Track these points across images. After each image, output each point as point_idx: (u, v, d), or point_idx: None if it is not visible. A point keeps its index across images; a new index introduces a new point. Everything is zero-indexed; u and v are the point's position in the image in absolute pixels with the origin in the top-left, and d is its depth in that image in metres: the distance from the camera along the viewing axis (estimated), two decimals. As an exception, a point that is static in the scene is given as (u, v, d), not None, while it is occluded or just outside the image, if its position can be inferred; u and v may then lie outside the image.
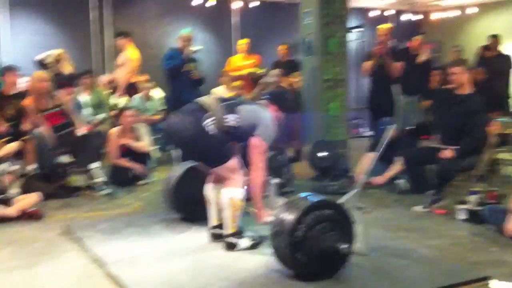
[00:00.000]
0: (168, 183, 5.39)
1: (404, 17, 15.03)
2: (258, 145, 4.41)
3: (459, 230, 5.16)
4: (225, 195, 4.41)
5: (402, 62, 8.46)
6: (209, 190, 4.72)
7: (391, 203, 6.35)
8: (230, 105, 4.48)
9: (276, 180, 5.33)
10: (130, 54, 9.89)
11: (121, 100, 9.37)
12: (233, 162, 4.40)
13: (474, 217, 5.36)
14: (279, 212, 3.86)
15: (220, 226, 4.63)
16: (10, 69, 7.75)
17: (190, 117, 4.39)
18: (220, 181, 4.55)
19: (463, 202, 5.54)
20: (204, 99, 4.50)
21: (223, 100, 4.58)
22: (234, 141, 4.63)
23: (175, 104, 7.90)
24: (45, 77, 6.93)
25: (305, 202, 3.79)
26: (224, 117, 4.37)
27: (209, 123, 4.30)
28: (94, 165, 6.80)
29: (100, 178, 6.85)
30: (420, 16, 15.26)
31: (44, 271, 4.04)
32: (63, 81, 8.50)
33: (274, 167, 6.58)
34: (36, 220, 5.47)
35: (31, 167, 7.57)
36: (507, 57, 9.86)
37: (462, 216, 5.47)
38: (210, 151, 4.36)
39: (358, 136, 13.61)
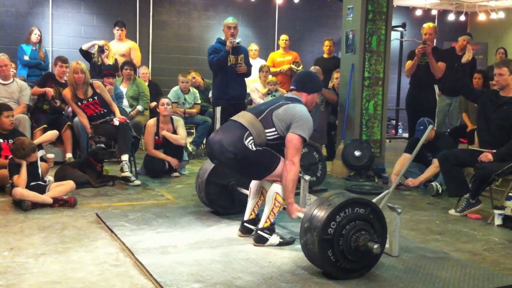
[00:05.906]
0: (200, 176, 5.38)
1: (450, 17, 14.83)
2: (294, 140, 4.34)
3: (494, 236, 5.05)
4: (273, 190, 4.42)
5: (445, 62, 8.31)
6: (254, 182, 4.73)
7: (425, 205, 6.25)
8: (266, 117, 4.42)
9: (308, 177, 5.29)
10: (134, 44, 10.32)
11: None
12: (281, 166, 4.36)
13: (510, 223, 5.25)
14: (311, 208, 3.81)
15: (253, 221, 4.64)
16: (61, 59, 8.07)
17: (230, 135, 4.36)
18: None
19: (500, 208, 5.42)
20: (243, 117, 4.46)
21: (259, 112, 4.48)
22: (278, 147, 4.60)
23: (220, 98, 7.90)
24: (82, 68, 7.01)
25: (338, 200, 3.73)
26: (265, 132, 4.37)
27: (250, 142, 4.31)
28: (126, 157, 6.86)
29: (131, 169, 6.94)
30: (466, 17, 15.02)
31: (74, 257, 4.07)
32: (105, 71, 8.67)
33: (307, 164, 6.57)
34: (69, 207, 5.53)
35: (67, 155, 7.72)
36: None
37: (498, 221, 5.36)
38: (255, 165, 4.38)
39: (396, 137, 13.52)
